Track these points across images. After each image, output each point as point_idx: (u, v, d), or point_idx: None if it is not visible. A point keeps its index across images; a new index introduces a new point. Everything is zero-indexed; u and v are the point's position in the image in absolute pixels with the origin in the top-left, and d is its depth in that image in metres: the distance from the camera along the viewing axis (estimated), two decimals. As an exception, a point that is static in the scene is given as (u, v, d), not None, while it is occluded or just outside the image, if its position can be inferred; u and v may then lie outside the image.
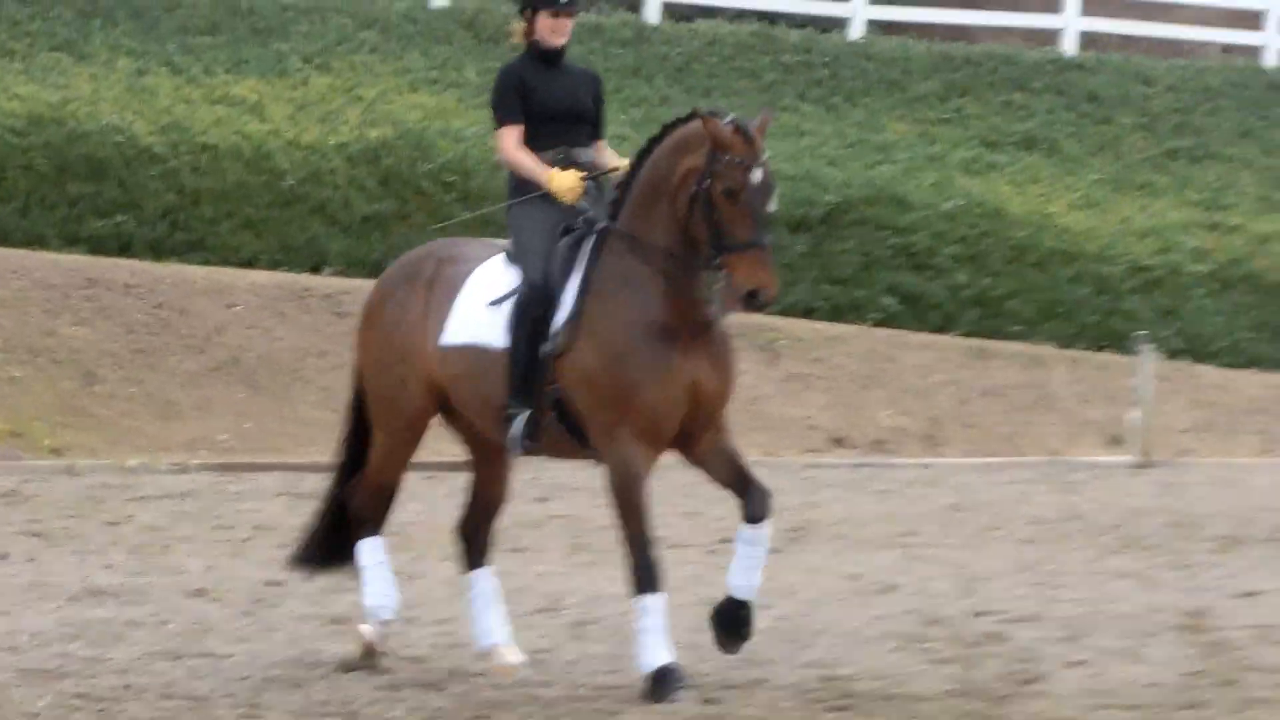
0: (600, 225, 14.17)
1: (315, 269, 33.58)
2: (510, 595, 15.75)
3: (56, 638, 15.76)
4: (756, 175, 13.73)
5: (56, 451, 27.79)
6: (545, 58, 14.69)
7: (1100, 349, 35.94)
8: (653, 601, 13.92)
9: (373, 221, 34.23)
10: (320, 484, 24.66)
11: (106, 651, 15.25)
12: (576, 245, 14.21)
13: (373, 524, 15.06)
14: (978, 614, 17.66)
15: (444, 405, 14.76)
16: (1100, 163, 39.70)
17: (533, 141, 14.49)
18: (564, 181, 14.23)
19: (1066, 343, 36.10)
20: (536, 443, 14.26)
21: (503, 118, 14.61)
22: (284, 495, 24.51)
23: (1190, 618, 17.55)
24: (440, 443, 27.35)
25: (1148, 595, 18.78)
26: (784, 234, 34.67)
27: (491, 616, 14.86)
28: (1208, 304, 37.29)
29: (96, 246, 32.83)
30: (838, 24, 42.20)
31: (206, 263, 33.01)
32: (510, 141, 14.51)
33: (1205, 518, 24.66)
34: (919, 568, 20.20)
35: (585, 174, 14.36)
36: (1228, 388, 35.28)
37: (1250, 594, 19.09)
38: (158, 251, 33.02)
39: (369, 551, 14.98)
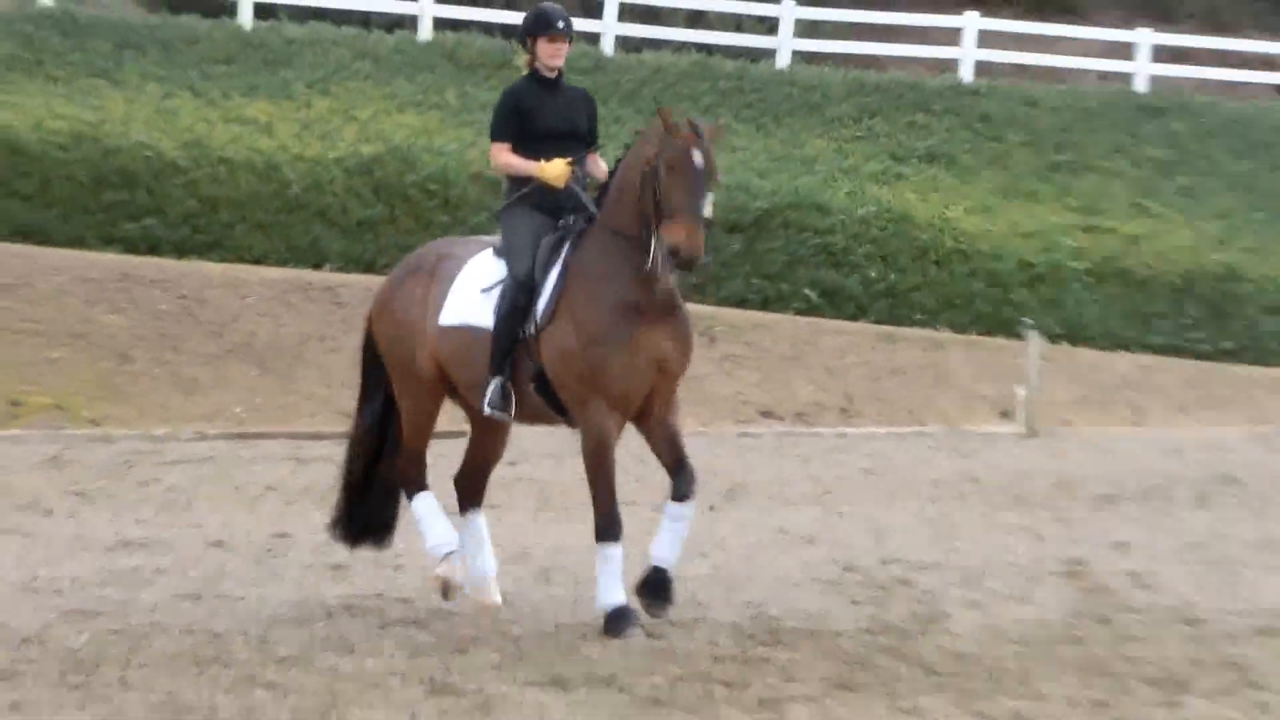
0: (583, 223, 14.24)
1: (317, 266, 33.84)
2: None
3: (94, 582, 15.72)
4: (697, 157, 13.73)
5: (94, 422, 27.70)
6: (544, 81, 14.62)
7: (991, 334, 35.95)
8: (613, 550, 14.00)
9: (366, 225, 34.46)
10: (320, 450, 24.81)
11: (137, 594, 15.23)
12: (558, 245, 14.21)
13: (416, 483, 15.03)
14: (887, 562, 17.69)
15: (445, 380, 14.75)
16: (992, 174, 39.69)
17: (535, 156, 14.40)
18: (553, 169, 14.25)
19: (962, 329, 36.14)
20: (507, 409, 14.25)
21: (495, 135, 14.57)
22: (289, 459, 24.71)
23: (1071, 566, 17.71)
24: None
25: (1034, 547, 18.79)
26: (721, 235, 34.70)
27: (483, 553, 14.96)
28: (1084, 295, 37.25)
29: (128, 246, 33.01)
30: (767, 55, 42.25)
31: (223, 260, 33.28)
32: (500, 156, 14.49)
33: (1083, 479, 24.66)
34: (836, 522, 20.13)
35: (571, 160, 14.30)
36: (1102, 367, 35.25)
37: (1122, 545, 19.09)
38: (181, 250, 33.25)
39: (420, 504, 14.97)
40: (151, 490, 21.49)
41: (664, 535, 14.13)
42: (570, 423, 14.26)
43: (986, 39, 43.37)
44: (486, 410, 14.26)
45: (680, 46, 41.57)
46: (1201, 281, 37.84)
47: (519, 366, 14.15)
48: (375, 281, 32.81)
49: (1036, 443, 29.76)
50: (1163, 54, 44.39)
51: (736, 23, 43.34)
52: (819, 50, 42.90)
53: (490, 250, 14.50)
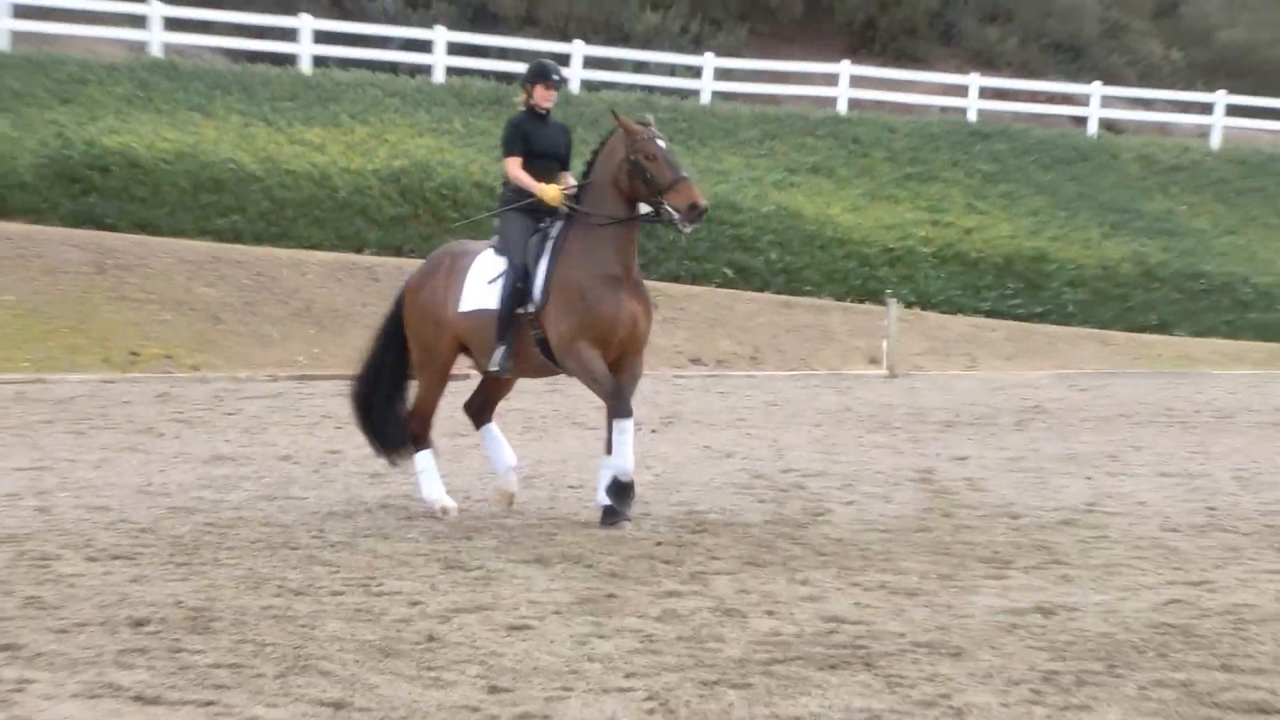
0: (565, 219, 14.24)
1: (359, 250, 33.88)
2: (483, 461, 15.75)
3: (193, 486, 15.68)
4: (661, 141, 14.02)
5: (194, 367, 27.59)
6: (538, 115, 14.68)
7: (862, 301, 35.96)
8: (627, 422, 13.87)
9: (396, 220, 34.54)
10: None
11: (226, 496, 15.18)
12: (542, 240, 14.22)
13: (422, 440, 14.84)
14: (785, 471, 17.66)
15: (464, 349, 14.68)
16: (861, 182, 39.72)
17: (529, 171, 14.46)
18: (551, 192, 14.25)
19: (841, 298, 36.23)
20: (507, 369, 14.28)
21: (509, 151, 14.53)
22: (339, 395, 24.31)
23: (922, 474, 17.71)
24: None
25: (894, 460, 18.77)
26: (658, 228, 34.55)
27: (502, 450, 14.88)
28: (931, 272, 37.32)
29: (218, 236, 33.02)
30: (693, 94, 42.12)
31: (288, 246, 33.31)
32: (514, 167, 14.45)
33: (931, 410, 24.67)
34: (747, 442, 20.07)
35: (565, 188, 14.33)
36: (944, 326, 35.28)
37: (960, 458, 19.08)
38: (258, 239, 33.28)
39: (421, 460, 14.77)
40: (236, 418, 21.41)
41: (618, 448, 13.95)
42: (563, 369, 14.21)
43: (857, 81, 43.39)
44: (493, 368, 14.24)
45: (629, 87, 41.52)
46: (1018, 262, 37.93)
47: (522, 335, 14.12)
48: (404, 262, 32.93)
49: (896, 382, 29.76)
50: (988, 93, 44.44)
51: (671, 70, 43.26)
52: (732, 90, 42.88)
53: (490, 250, 14.48)
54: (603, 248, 13.99)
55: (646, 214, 14.02)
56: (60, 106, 34.34)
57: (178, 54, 38.17)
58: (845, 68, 43.13)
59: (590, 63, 41.60)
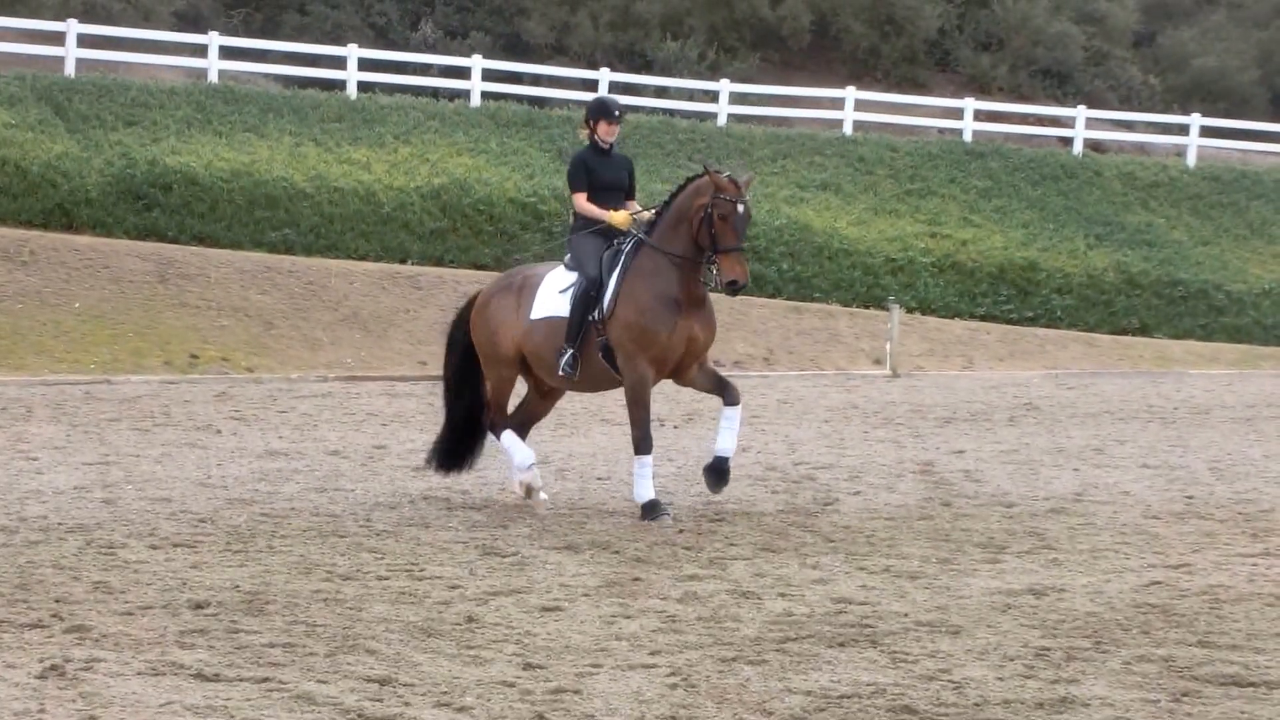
0: (635, 241, 14.16)
1: (402, 261, 33.88)
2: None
3: (249, 479, 15.64)
4: (740, 208, 13.85)
5: (249, 369, 27.66)
6: (600, 149, 14.54)
7: (867, 307, 35.87)
8: (646, 459, 13.95)
9: (436, 233, 34.57)
10: (404, 388, 24.62)
11: (279, 488, 15.14)
12: (614, 257, 14.16)
13: (501, 425, 14.81)
14: (796, 464, 17.70)
15: (522, 362, 14.67)
16: (866, 198, 39.62)
17: (595, 203, 14.36)
18: (620, 217, 14.25)
19: (847, 304, 36.12)
20: (575, 372, 14.16)
21: (575, 187, 14.48)
22: (384, 395, 24.75)
23: (923, 466, 17.69)
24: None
25: (897, 452, 18.76)
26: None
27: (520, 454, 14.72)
28: (930, 281, 37.23)
29: (271, 248, 33.04)
30: (710, 116, 42.02)
31: (337, 257, 33.30)
32: (582, 201, 14.38)
33: (930, 407, 24.64)
34: (761, 436, 20.07)
35: (632, 213, 14.32)
36: (942, 330, 35.26)
37: (959, 452, 19.06)
38: (309, 251, 33.30)
39: (507, 438, 14.71)
40: (289, 416, 21.39)
41: (723, 432, 14.05)
42: (623, 383, 14.15)
43: (861, 105, 43.31)
44: (560, 373, 14.17)
45: (651, 110, 41.45)
46: (1010, 270, 37.85)
47: (588, 343, 14.06)
48: (444, 272, 33.02)
49: (898, 382, 29.72)
50: (982, 115, 44.33)
51: (690, 94, 43.22)
52: (746, 113, 42.79)
53: (561, 267, 14.45)
54: (668, 272, 13.93)
55: (705, 259, 13.89)
56: (125, 129, 34.37)
57: (233, 80, 38.20)
58: (851, 93, 43.07)
59: (615, 88, 41.56)
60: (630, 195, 14.55)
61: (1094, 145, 45.32)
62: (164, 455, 17.15)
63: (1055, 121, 46.30)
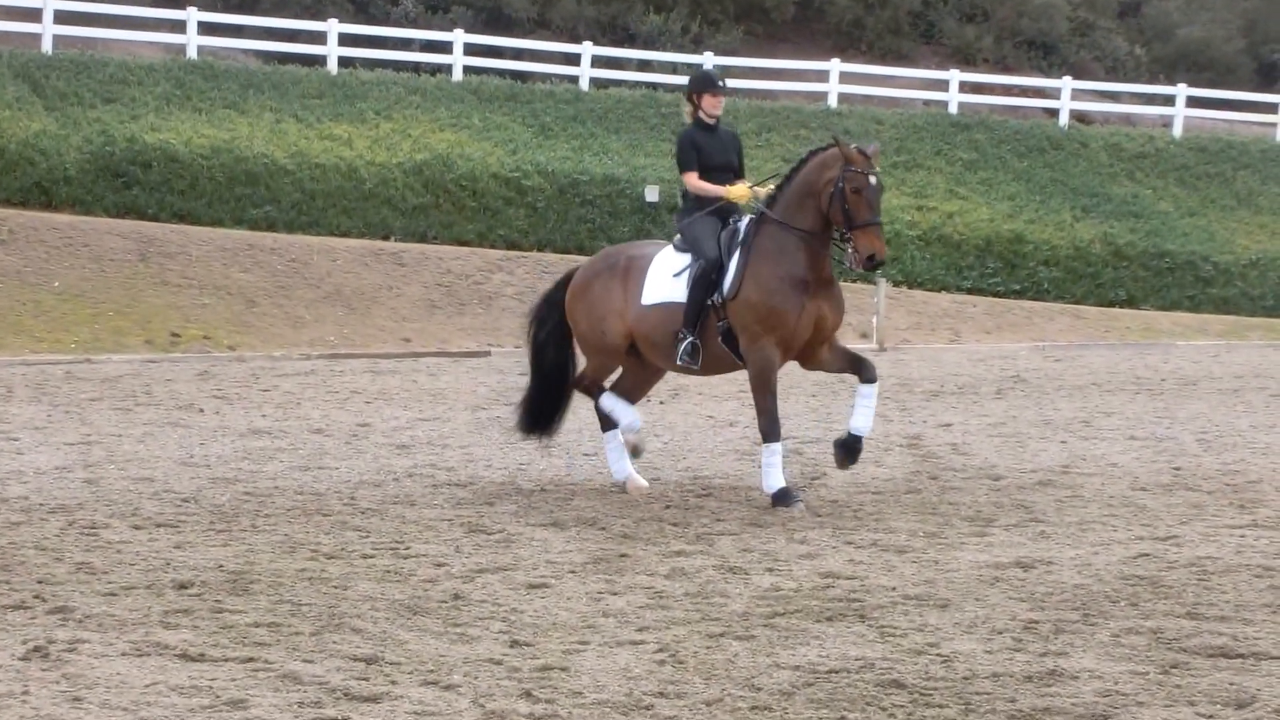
0: (756, 218, 13.57)
1: (385, 238, 33.89)
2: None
3: (232, 458, 15.61)
4: (872, 180, 13.21)
5: (231, 347, 27.61)
6: (706, 126, 14.00)
7: (854, 280, 35.67)
8: (775, 446, 13.43)
9: (419, 209, 34.56)
10: (388, 365, 24.60)
11: (262, 467, 15.11)
12: (732, 236, 13.58)
13: (598, 389, 14.31)
14: (784, 438, 17.26)
15: (630, 346, 14.13)
16: (851, 171, 39.53)
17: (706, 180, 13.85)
18: (739, 191, 13.68)
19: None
20: (695, 361, 13.66)
21: (686, 167, 13.85)
22: (367, 372, 24.72)
23: (910, 439, 17.69)
24: (456, 336, 26.83)
25: (884, 426, 18.63)
26: (664, 214, 34.60)
27: (623, 461, 14.14)
28: (917, 254, 37.24)
29: (253, 225, 33.06)
30: (694, 90, 41.85)
31: (319, 234, 33.28)
32: (693, 180, 13.78)
33: (917, 380, 24.66)
34: (748, 411, 19.94)
35: (750, 185, 13.78)
36: (929, 303, 35.26)
37: (945, 424, 19.07)
38: (290, 228, 33.33)
39: (607, 400, 14.23)
40: (272, 394, 21.35)
41: (858, 410, 13.54)
42: (744, 365, 13.63)
43: (846, 78, 43.27)
44: (679, 362, 13.71)
45: (635, 84, 41.37)
46: (997, 243, 37.87)
47: (707, 328, 13.57)
48: (427, 248, 33.00)
49: (886, 355, 29.71)
50: (967, 87, 44.30)
51: (673, 68, 43.13)
52: (731, 86, 42.56)
53: (670, 248, 13.93)
54: (794, 251, 13.35)
55: (838, 235, 13.35)
56: (103, 106, 34.29)
57: (213, 56, 38.08)
58: (835, 65, 43.01)
59: (598, 62, 41.50)
60: (739, 173, 13.99)
61: (1080, 116, 45.32)
62: (146, 435, 17.12)
63: (1041, 93, 46.30)
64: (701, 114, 13.97)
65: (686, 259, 13.70)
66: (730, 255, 13.51)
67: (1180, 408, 21.12)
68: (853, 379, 14.11)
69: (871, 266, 13.22)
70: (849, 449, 13.60)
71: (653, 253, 14.04)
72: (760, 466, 13.77)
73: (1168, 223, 40.43)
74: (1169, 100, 45.88)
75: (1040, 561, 11.05)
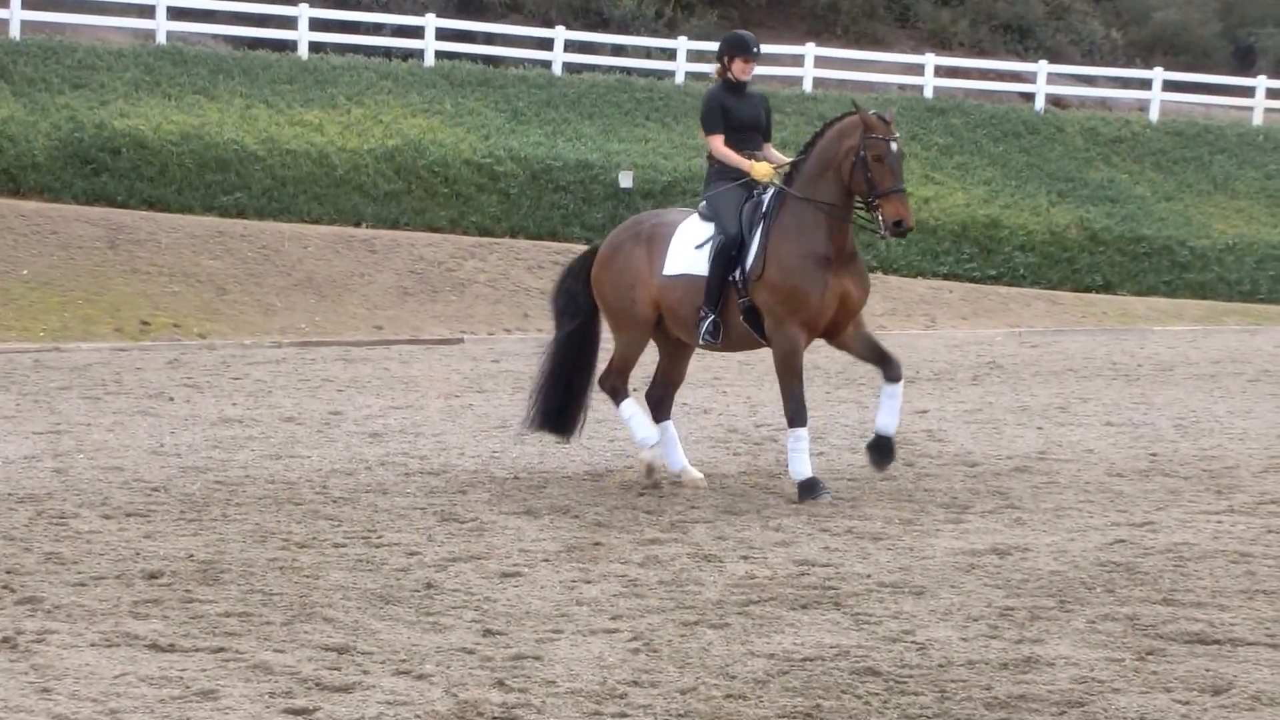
0: (777, 192, 13.31)
1: (356, 224, 33.73)
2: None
3: (203, 447, 15.58)
4: (894, 146, 13.00)
5: (202, 335, 27.49)
6: (734, 86, 13.80)
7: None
8: (801, 432, 13.27)
9: (390, 195, 34.37)
10: (360, 353, 24.55)
11: (234, 456, 15.10)
12: (754, 210, 13.36)
13: (621, 393, 14.19)
14: (759, 426, 17.67)
15: (657, 318, 13.94)
16: (826, 156, 39.53)
17: (730, 144, 13.61)
18: (763, 169, 13.40)
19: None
20: (717, 339, 13.51)
21: (711, 129, 13.64)
22: (339, 360, 24.64)
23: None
24: (429, 323, 26.77)
25: (860, 413, 18.71)
26: (637, 199, 34.52)
27: (677, 450, 14.02)
28: (892, 239, 37.13)
29: (223, 212, 32.91)
30: (668, 74, 41.96)
31: (290, 221, 33.16)
32: (718, 144, 13.58)
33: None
34: (724, 398, 20.09)
35: (776, 165, 13.52)
36: (905, 289, 35.22)
37: (921, 411, 19.04)
38: (261, 215, 33.18)
39: (627, 408, 14.14)
40: (243, 382, 21.29)
41: (883, 410, 13.41)
42: (768, 344, 13.50)
43: (821, 62, 43.27)
44: (701, 341, 13.58)
45: (609, 69, 41.34)
46: (973, 228, 37.88)
47: (729, 304, 13.39)
48: (399, 235, 32.94)
49: (859, 342, 29.70)
50: (942, 71, 44.36)
51: (647, 52, 43.13)
52: (704, 71, 42.65)
53: (696, 216, 13.72)
54: (816, 227, 13.13)
55: (858, 207, 13.13)
56: (71, 92, 34.18)
57: (182, 41, 37.98)
58: (810, 49, 43.00)
59: (571, 46, 41.46)
60: (767, 136, 13.78)
61: (1056, 101, 45.39)
62: (116, 423, 17.09)
63: (1017, 77, 46.34)
64: (730, 76, 13.80)
65: (710, 229, 13.52)
66: (752, 231, 13.34)
67: (1157, 393, 21.17)
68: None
69: (900, 233, 12.98)
70: (881, 450, 13.44)
71: (679, 219, 13.87)
72: (786, 452, 13.61)
73: (1144, 207, 40.51)
74: (1145, 84, 45.97)
75: (1016, 548, 11.07)
